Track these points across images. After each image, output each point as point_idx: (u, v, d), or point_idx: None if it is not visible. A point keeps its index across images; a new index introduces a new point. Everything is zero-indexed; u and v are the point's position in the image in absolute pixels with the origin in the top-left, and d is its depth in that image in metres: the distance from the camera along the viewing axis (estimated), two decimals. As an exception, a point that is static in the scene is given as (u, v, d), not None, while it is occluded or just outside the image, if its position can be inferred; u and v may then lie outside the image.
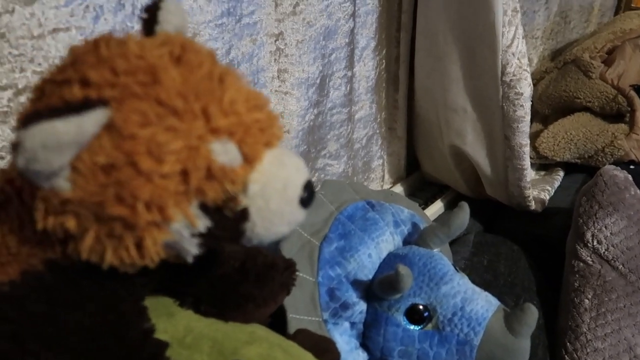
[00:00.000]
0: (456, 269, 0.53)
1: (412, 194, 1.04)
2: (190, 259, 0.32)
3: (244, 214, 0.31)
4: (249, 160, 0.30)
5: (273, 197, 0.31)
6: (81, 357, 0.32)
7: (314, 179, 0.83)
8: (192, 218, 0.29)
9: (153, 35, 0.32)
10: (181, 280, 0.41)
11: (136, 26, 0.52)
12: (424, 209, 0.98)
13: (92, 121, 0.26)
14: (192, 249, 0.31)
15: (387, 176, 1.02)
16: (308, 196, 0.33)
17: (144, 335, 0.35)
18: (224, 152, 0.29)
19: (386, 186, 1.02)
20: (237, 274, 0.42)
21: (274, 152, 0.32)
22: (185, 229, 0.30)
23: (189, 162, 0.28)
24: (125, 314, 0.34)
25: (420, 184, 1.06)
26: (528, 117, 0.78)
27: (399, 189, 1.02)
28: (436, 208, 0.98)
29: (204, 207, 0.30)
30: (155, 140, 0.27)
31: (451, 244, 0.89)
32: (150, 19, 0.33)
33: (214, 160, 0.29)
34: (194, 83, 0.29)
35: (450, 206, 0.99)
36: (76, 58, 0.29)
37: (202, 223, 0.30)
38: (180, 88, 0.28)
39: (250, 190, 0.31)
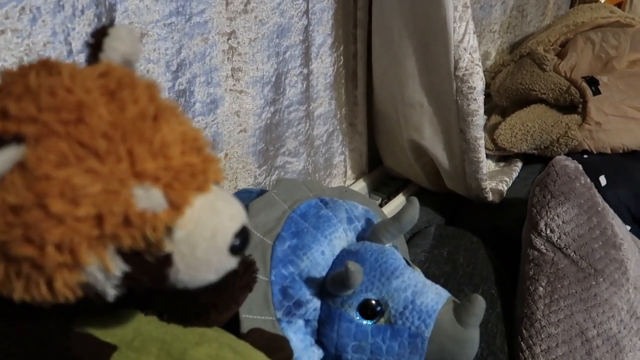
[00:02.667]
0: (408, 263, 0.54)
1: (375, 189, 1.05)
2: (110, 299, 0.31)
3: (167, 260, 0.30)
4: (175, 206, 0.29)
5: (200, 245, 0.30)
6: None
7: (273, 177, 0.83)
8: (107, 262, 0.28)
9: (95, 64, 0.31)
10: (139, 296, 0.40)
11: (77, 27, 0.51)
12: (386, 203, 1.00)
13: (3, 158, 0.25)
14: (109, 291, 0.30)
15: (349, 172, 1.03)
16: (240, 244, 0.32)
17: (62, 352, 0.34)
18: (146, 198, 0.28)
19: (349, 182, 1.03)
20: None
21: (208, 197, 0.31)
22: (99, 273, 0.28)
23: (105, 207, 0.27)
24: (52, 344, 0.33)
25: (382, 178, 1.07)
26: (481, 111, 0.80)
27: (361, 184, 1.03)
28: (398, 202, 0.99)
29: (122, 252, 0.28)
30: (71, 182, 0.26)
31: (412, 237, 0.90)
32: (95, 46, 0.31)
33: (134, 205, 0.27)
34: (123, 122, 0.28)
35: (412, 200, 1.00)
36: (3, 86, 0.28)
37: (119, 268, 0.29)
38: (106, 128, 0.27)
39: (175, 235, 0.30)
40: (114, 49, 0.31)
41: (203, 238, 0.30)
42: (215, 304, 0.41)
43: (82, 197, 0.26)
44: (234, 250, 0.31)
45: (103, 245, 0.28)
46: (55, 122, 0.26)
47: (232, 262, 0.32)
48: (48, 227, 0.26)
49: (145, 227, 0.28)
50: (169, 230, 0.29)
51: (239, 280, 0.43)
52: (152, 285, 0.32)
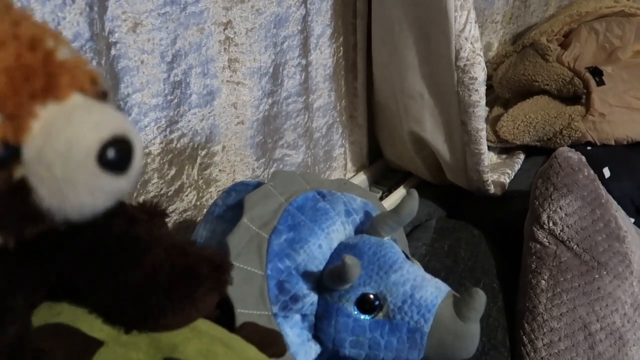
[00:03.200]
0: (407, 257, 0.53)
1: (375, 181, 1.04)
2: (8, 245, 0.27)
3: (23, 186, 0.26)
4: (11, 117, 0.25)
5: (55, 162, 0.26)
6: None
7: (272, 170, 0.82)
8: None
9: None
10: (84, 285, 0.37)
11: (68, 16, 0.50)
12: (387, 196, 0.98)
13: None
14: None
15: (349, 165, 1.02)
16: (117, 157, 0.26)
17: (14, 341, 0.31)
18: None
19: (349, 175, 1.02)
20: (147, 282, 0.36)
21: (63, 106, 0.26)
22: None
23: None
24: None
25: (383, 171, 1.06)
26: (483, 102, 0.79)
27: (361, 177, 1.02)
28: (399, 195, 0.98)
29: None
30: None
31: (413, 230, 0.89)
32: None
33: None
34: None
35: (413, 193, 0.99)
36: None
37: None
38: None
39: (25, 155, 0.26)
40: None
41: (57, 154, 0.26)
42: (163, 308, 0.37)
43: None
44: (108, 164, 0.26)
45: None
46: None
47: (112, 182, 0.27)
48: None
49: None
50: (14, 150, 0.25)
51: (201, 282, 0.38)
52: (27, 222, 0.28)
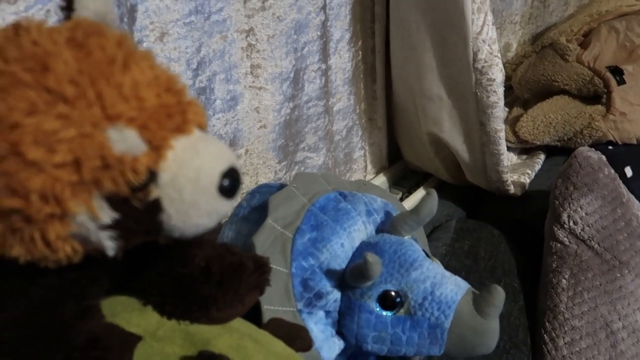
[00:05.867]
0: (427, 255, 0.54)
1: (395, 183, 1.05)
2: (111, 253, 0.31)
3: (156, 205, 0.30)
4: (155, 147, 0.29)
5: (186, 187, 0.30)
6: (19, 357, 0.31)
7: (294, 173, 0.84)
8: (94, 210, 0.28)
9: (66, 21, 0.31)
10: (144, 279, 0.40)
11: None
12: (407, 197, 0.99)
13: None
14: (106, 242, 0.30)
15: (369, 167, 1.03)
16: (230, 185, 0.31)
17: (88, 337, 0.34)
18: (122, 140, 0.28)
19: (369, 177, 1.03)
20: (201, 275, 0.40)
21: (189, 138, 0.30)
22: (90, 222, 0.29)
23: (81, 151, 0.27)
24: (63, 313, 0.33)
25: (403, 173, 1.07)
26: (501, 103, 0.79)
27: (381, 178, 1.03)
28: (419, 196, 0.99)
29: (110, 198, 0.29)
30: (42, 128, 0.26)
31: (433, 230, 0.90)
32: (67, 7, 0.32)
33: (110, 148, 0.28)
34: (90, 67, 0.28)
35: (433, 194, 1.00)
36: None
37: (107, 215, 0.29)
38: (72, 73, 0.27)
39: (160, 180, 0.30)
40: (85, 7, 0.31)
41: (188, 180, 0.30)
42: (216, 299, 0.40)
43: (57, 142, 0.27)
44: (224, 191, 0.31)
45: (87, 192, 0.28)
46: (22, 71, 0.27)
47: (224, 205, 0.32)
48: (28, 176, 0.26)
49: (125, 170, 0.28)
50: (153, 175, 0.29)
51: (247, 277, 0.42)
52: (148, 235, 0.32)
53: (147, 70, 0.30)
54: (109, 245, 0.30)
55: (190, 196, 0.30)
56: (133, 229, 0.31)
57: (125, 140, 0.28)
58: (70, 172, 0.27)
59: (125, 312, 0.41)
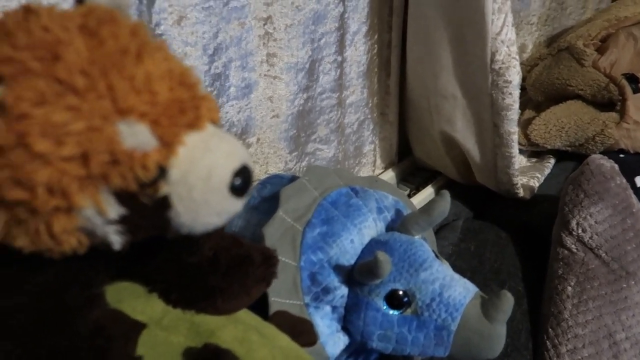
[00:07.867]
0: (437, 256, 0.54)
1: (403, 179, 1.05)
2: (117, 247, 0.30)
3: (164, 202, 0.29)
4: (166, 143, 0.28)
5: (196, 186, 0.29)
6: (23, 343, 0.31)
7: (304, 163, 0.84)
8: (100, 204, 0.28)
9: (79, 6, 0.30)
10: (151, 266, 0.40)
11: None
12: (415, 194, 0.99)
13: None
14: (112, 237, 0.29)
15: (378, 161, 1.03)
16: (242, 184, 0.30)
17: (93, 326, 0.34)
18: (132, 135, 0.27)
19: (377, 171, 1.03)
20: (208, 265, 0.40)
21: (202, 135, 0.29)
22: (96, 216, 0.28)
23: (90, 145, 0.26)
24: (68, 300, 0.33)
25: (411, 169, 1.07)
26: (517, 105, 0.78)
27: (390, 174, 1.03)
28: (427, 193, 0.98)
29: (117, 194, 0.28)
30: (51, 120, 0.25)
31: (440, 229, 0.90)
32: None
33: (119, 143, 0.27)
34: (102, 58, 0.27)
35: (441, 192, 1.00)
36: None
37: (114, 210, 0.28)
38: (83, 64, 0.26)
39: (171, 176, 0.29)
40: None
41: (199, 178, 0.29)
42: (222, 290, 0.40)
43: (65, 135, 0.26)
44: (235, 190, 0.30)
45: (94, 186, 0.27)
46: (32, 59, 0.26)
47: (235, 204, 0.31)
48: (35, 168, 0.26)
49: (134, 166, 0.27)
50: (163, 171, 0.28)
51: (254, 269, 0.41)
52: (155, 231, 0.31)
53: (161, 63, 0.29)
54: (115, 239, 0.30)
55: (201, 195, 0.29)
56: (140, 225, 0.30)
57: (136, 136, 0.27)
58: (78, 166, 0.26)
59: (131, 299, 0.40)
